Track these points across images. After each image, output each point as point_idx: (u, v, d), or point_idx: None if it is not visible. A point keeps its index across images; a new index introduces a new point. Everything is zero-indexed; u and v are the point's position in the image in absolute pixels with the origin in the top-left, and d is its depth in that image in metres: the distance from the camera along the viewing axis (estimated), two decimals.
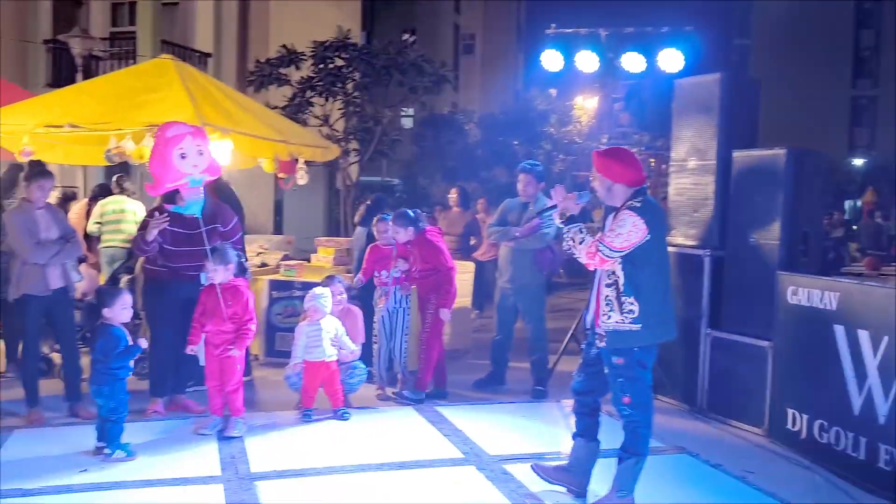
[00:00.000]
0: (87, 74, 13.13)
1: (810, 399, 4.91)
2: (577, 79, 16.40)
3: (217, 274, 4.96)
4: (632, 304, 3.81)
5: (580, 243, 3.88)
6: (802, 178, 5.48)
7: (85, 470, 4.30)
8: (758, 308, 5.40)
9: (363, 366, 5.79)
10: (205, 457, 4.62)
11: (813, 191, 5.65)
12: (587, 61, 7.26)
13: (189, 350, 4.96)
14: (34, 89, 14.90)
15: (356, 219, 7.25)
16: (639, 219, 3.77)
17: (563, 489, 4.19)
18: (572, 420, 5.79)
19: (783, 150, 5.47)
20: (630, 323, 3.81)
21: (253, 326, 5.03)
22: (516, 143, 14.83)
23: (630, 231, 3.76)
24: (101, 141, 6.61)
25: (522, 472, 4.44)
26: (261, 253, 8.26)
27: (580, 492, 4.18)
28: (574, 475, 4.19)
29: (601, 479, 4.14)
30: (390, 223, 6.03)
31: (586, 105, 17.46)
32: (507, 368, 6.62)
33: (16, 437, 4.87)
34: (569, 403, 6.10)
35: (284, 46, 12.57)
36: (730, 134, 5.85)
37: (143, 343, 4.63)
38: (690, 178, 6.07)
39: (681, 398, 6.03)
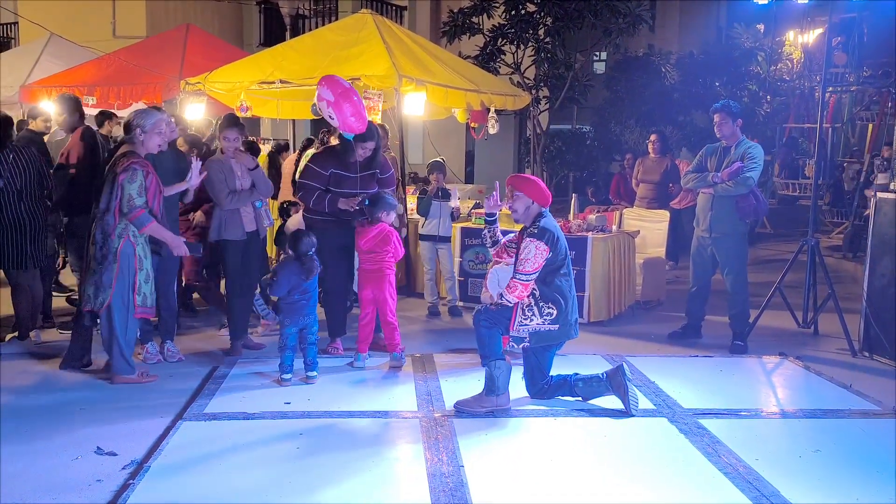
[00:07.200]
0: (295, 32, 13.97)
1: None
2: (788, 12, 15.08)
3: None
4: (550, 308, 4.48)
5: (508, 289, 4.44)
6: None
7: (288, 403, 4.66)
8: None
9: None
10: (403, 393, 4.89)
11: None
12: None
13: None
14: (249, 49, 16.14)
15: None
16: (540, 242, 4.41)
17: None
18: (774, 377, 5.54)
19: None
20: (549, 324, 4.51)
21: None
22: (718, 84, 13.86)
23: (536, 255, 4.40)
24: (308, 95, 7.06)
25: (718, 428, 4.29)
26: None
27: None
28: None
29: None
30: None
31: (798, 41, 15.98)
32: (704, 322, 6.38)
33: (238, 368, 5.40)
34: (771, 360, 5.81)
35: None
36: None
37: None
38: None
39: None
